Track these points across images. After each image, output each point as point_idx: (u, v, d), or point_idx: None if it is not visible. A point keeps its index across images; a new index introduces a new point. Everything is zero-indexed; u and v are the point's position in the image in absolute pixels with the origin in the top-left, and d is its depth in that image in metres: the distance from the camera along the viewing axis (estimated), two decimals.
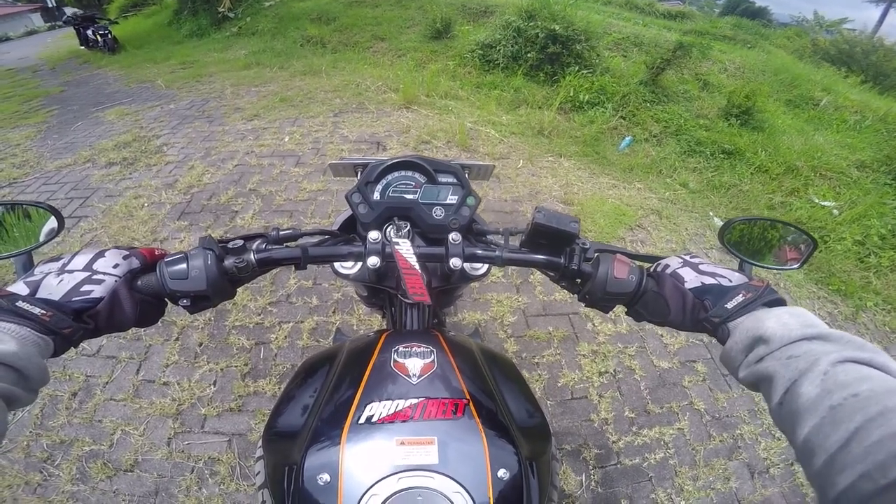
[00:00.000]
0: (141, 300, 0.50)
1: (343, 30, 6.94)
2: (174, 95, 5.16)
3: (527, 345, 2.02)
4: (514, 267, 0.65)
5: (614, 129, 4.27)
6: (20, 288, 0.44)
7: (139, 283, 0.50)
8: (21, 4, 29.39)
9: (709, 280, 0.51)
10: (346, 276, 0.71)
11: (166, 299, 0.52)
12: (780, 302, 0.46)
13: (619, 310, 0.58)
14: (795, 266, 0.65)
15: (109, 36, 8.51)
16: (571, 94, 4.53)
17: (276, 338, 1.97)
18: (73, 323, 0.43)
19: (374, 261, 0.58)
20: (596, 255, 0.58)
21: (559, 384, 1.88)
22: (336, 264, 0.71)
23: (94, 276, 0.47)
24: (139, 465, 1.55)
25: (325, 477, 0.46)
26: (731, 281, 0.51)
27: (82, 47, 9.01)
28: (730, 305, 0.47)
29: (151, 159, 3.52)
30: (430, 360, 0.57)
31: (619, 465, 1.64)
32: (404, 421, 0.49)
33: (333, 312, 2.10)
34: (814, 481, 0.33)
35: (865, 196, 3.70)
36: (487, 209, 2.85)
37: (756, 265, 0.61)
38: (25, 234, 0.57)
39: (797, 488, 1.65)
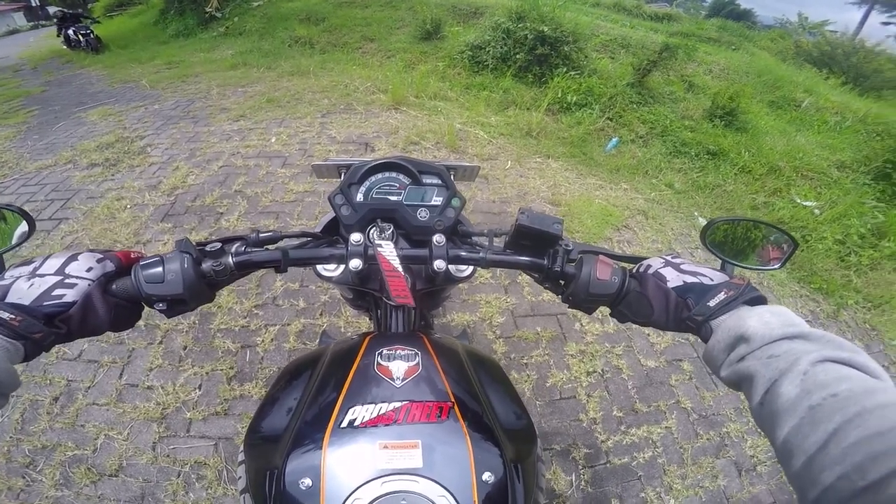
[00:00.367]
0: (115, 304, 0.49)
1: (332, 30, 6.90)
2: (159, 96, 5.08)
3: (515, 345, 2.03)
4: (499, 268, 0.65)
5: (601, 130, 4.31)
6: None
7: (114, 286, 0.49)
8: (3, 3, 28.75)
9: (690, 279, 0.52)
10: (329, 279, 0.70)
11: (142, 303, 0.51)
12: (761, 300, 0.47)
13: (606, 310, 0.59)
14: (776, 266, 0.65)
15: (92, 35, 8.36)
16: (559, 95, 4.57)
17: (263, 341, 1.95)
18: (44, 328, 0.43)
19: (356, 263, 0.58)
20: (579, 256, 0.59)
21: (548, 384, 1.89)
22: (319, 267, 0.70)
23: (67, 280, 0.46)
24: (124, 469, 1.53)
25: (307, 481, 0.45)
26: (712, 280, 0.51)
27: (64, 47, 8.84)
28: (712, 303, 0.47)
29: (135, 160, 3.46)
30: (414, 362, 0.57)
31: (608, 465, 1.65)
32: (388, 424, 0.49)
33: (321, 315, 2.08)
34: (793, 482, 0.34)
35: (845, 196, 3.79)
36: (476, 210, 2.86)
37: (737, 265, 0.62)
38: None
39: (784, 486, 1.68)
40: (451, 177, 0.71)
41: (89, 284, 0.47)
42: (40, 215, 2.81)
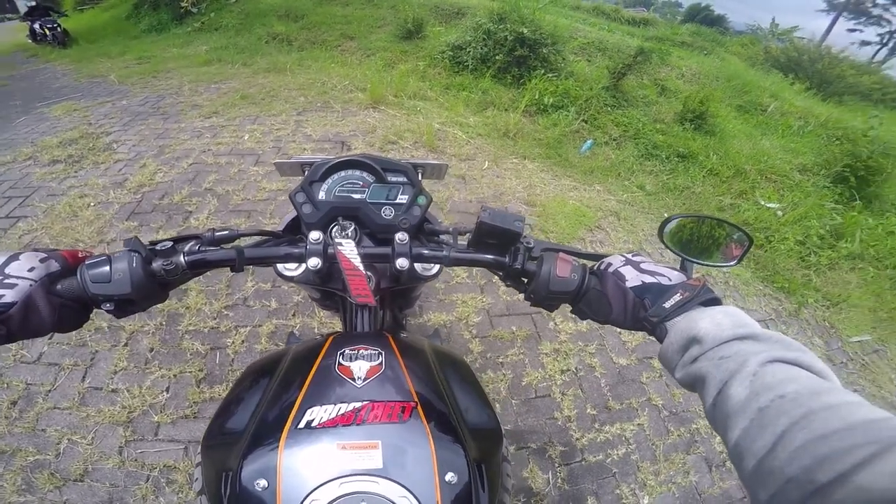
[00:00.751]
0: (60, 305, 0.47)
1: (311, 27, 6.80)
2: (127, 91, 4.90)
3: (491, 345, 2.05)
4: (463, 267, 0.66)
5: (576, 132, 4.37)
6: None
7: (59, 287, 0.48)
8: None
9: (649, 279, 0.52)
10: (290, 279, 0.69)
11: (90, 304, 0.50)
12: (716, 301, 0.47)
13: (569, 309, 0.59)
14: (733, 263, 0.66)
15: (59, 29, 8.03)
16: (537, 97, 4.61)
17: (233, 342, 1.91)
18: None
19: (314, 262, 0.57)
20: (541, 253, 0.59)
21: (523, 383, 1.91)
22: (279, 266, 0.69)
23: (6, 281, 0.44)
24: (90, 474, 1.49)
25: (263, 482, 0.45)
26: (670, 280, 0.51)
27: (29, 41, 8.46)
28: (667, 305, 0.47)
29: (99, 157, 3.33)
30: (377, 362, 0.56)
31: (583, 462, 1.68)
32: (346, 425, 0.48)
33: (293, 315, 2.05)
34: (746, 484, 0.34)
35: (806, 198, 3.95)
36: (452, 210, 2.87)
37: (695, 262, 0.62)
38: None
39: None
40: (420, 175, 0.71)
41: (31, 285, 0.45)
42: None
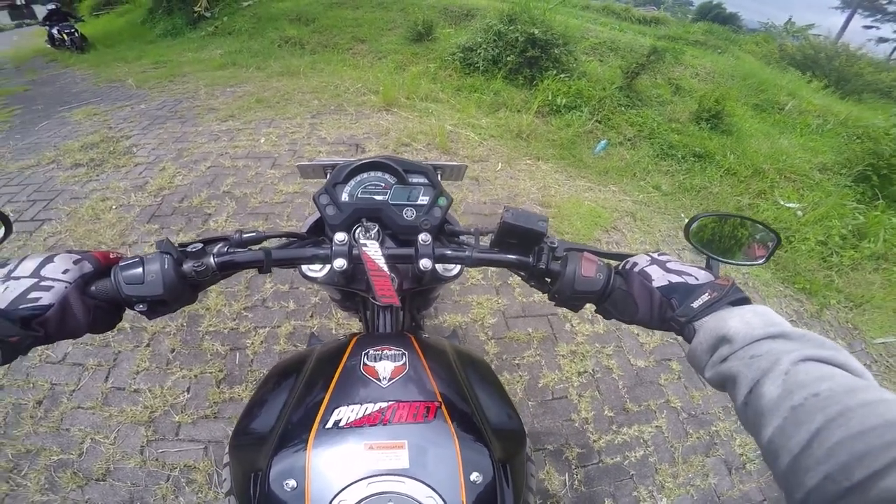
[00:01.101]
0: (94, 306, 0.48)
1: (323, 31, 6.86)
2: (145, 95, 5.01)
3: (507, 346, 2.04)
4: (487, 267, 0.66)
5: (590, 132, 4.34)
6: None
7: (93, 288, 0.49)
8: None
9: (675, 279, 0.51)
10: (314, 280, 0.70)
11: (122, 305, 0.51)
12: (745, 301, 0.47)
13: (593, 308, 0.59)
14: (760, 261, 0.65)
15: (77, 34, 8.25)
16: (549, 97, 4.59)
17: (252, 343, 1.93)
18: (21, 331, 0.42)
19: (340, 263, 0.58)
20: (564, 253, 0.59)
21: (539, 385, 1.90)
22: (304, 267, 0.70)
23: (42, 283, 0.45)
24: (111, 473, 1.51)
25: (292, 483, 0.45)
26: (697, 279, 0.51)
27: (48, 46, 8.69)
28: (695, 304, 0.47)
29: (120, 160, 3.40)
30: (401, 362, 0.57)
31: (600, 464, 1.67)
32: (373, 425, 0.49)
33: (311, 317, 2.07)
34: (780, 482, 0.34)
35: (827, 198, 3.86)
36: (466, 211, 2.87)
37: (722, 261, 0.62)
38: None
39: (773, 483, 1.70)
40: (438, 176, 0.71)
41: (66, 287, 0.46)
42: (22, 216, 2.75)
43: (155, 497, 1.45)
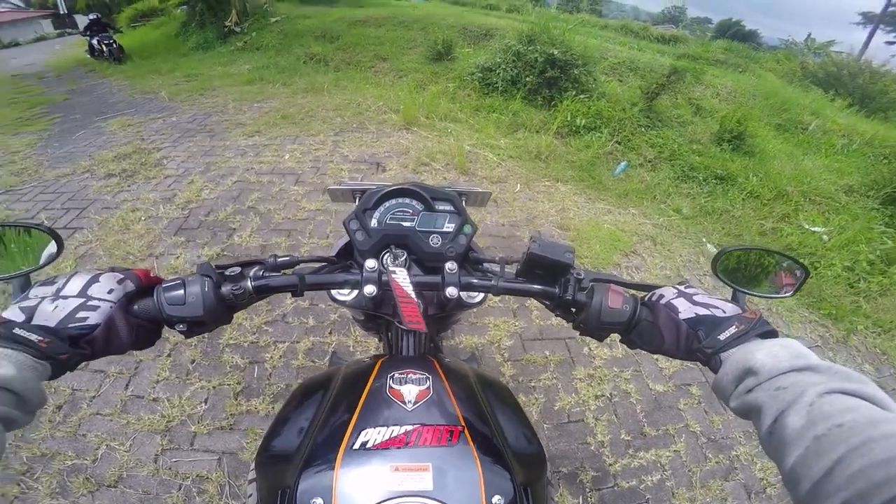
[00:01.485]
0: (137, 325, 0.50)
1: (346, 48, 7.06)
2: (177, 108, 5.20)
3: (524, 369, 2.02)
4: (511, 296, 0.67)
5: (610, 153, 4.33)
6: (16, 314, 0.45)
7: (136, 307, 0.51)
8: (32, 11, 29.73)
9: (702, 311, 0.52)
10: (342, 303, 0.71)
11: (163, 323, 0.53)
12: (772, 334, 0.47)
13: (614, 336, 0.59)
14: (788, 294, 0.65)
15: (115, 45, 8.62)
16: (568, 118, 4.60)
17: (271, 357, 1.96)
18: (70, 349, 0.44)
19: (370, 289, 0.59)
20: (591, 284, 0.59)
21: (556, 408, 1.88)
22: (333, 291, 0.71)
23: (89, 303, 0.47)
24: (124, 480, 1.52)
25: (319, 502, 0.46)
26: (724, 312, 0.51)
27: (88, 56, 9.11)
28: (722, 337, 0.48)
29: (151, 172, 3.53)
30: (425, 386, 0.58)
31: (615, 488, 1.64)
32: (399, 447, 0.50)
33: (330, 333, 2.09)
34: None
35: (854, 221, 3.75)
36: (484, 233, 2.87)
37: (749, 293, 0.62)
38: (24, 255, 0.57)
39: None
40: (463, 202, 0.72)
41: (111, 307, 0.48)
42: (56, 224, 2.86)
43: None
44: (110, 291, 0.49)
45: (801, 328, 2.67)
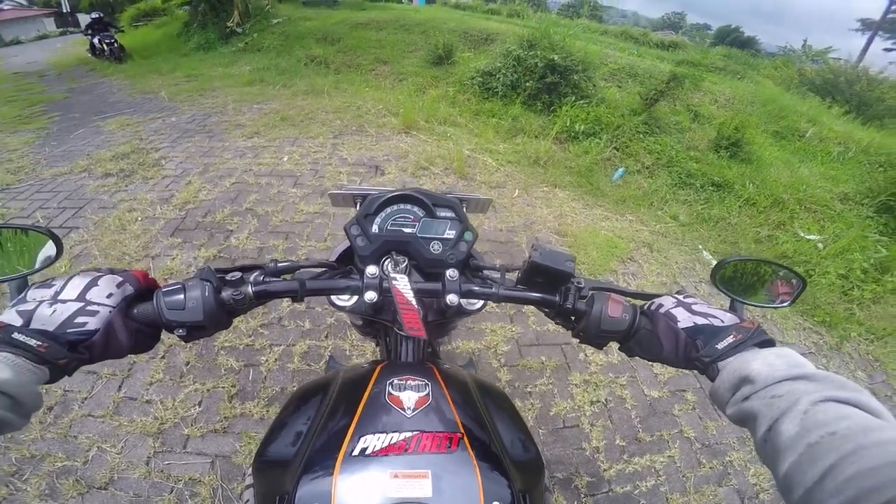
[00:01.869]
0: (136, 329, 0.50)
1: (347, 51, 7.07)
2: (176, 108, 5.19)
3: (520, 374, 2.02)
4: (511, 304, 0.67)
5: (608, 160, 4.34)
6: (13, 317, 0.44)
7: (135, 311, 0.51)
8: (35, 9, 29.71)
9: (701, 320, 0.53)
10: (342, 308, 0.70)
11: (162, 328, 0.53)
12: (769, 343, 0.48)
13: (612, 343, 0.60)
14: (785, 304, 0.67)
15: (115, 45, 8.61)
16: (568, 124, 4.61)
17: (267, 360, 1.95)
18: (69, 354, 0.44)
19: (371, 296, 0.59)
20: (591, 293, 0.60)
21: (551, 413, 1.88)
22: (333, 297, 0.71)
23: (88, 308, 0.46)
24: (114, 483, 1.51)
25: None
26: (723, 322, 0.52)
27: (89, 55, 9.10)
28: (720, 346, 0.49)
29: (149, 172, 3.52)
30: (424, 393, 0.57)
31: (610, 493, 1.64)
32: (398, 454, 0.49)
33: (326, 337, 2.09)
34: None
35: (849, 229, 3.78)
36: (482, 239, 2.87)
37: (746, 303, 0.63)
38: (21, 256, 0.56)
39: None
40: (464, 209, 0.72)
41: (110, 311, 0.47)
42: (51, 223, 2.84)
43: None
44: (109, 296, 0.49)
45: (795, 335, 2.68)
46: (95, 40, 8.79)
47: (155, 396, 1.78)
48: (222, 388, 1.83)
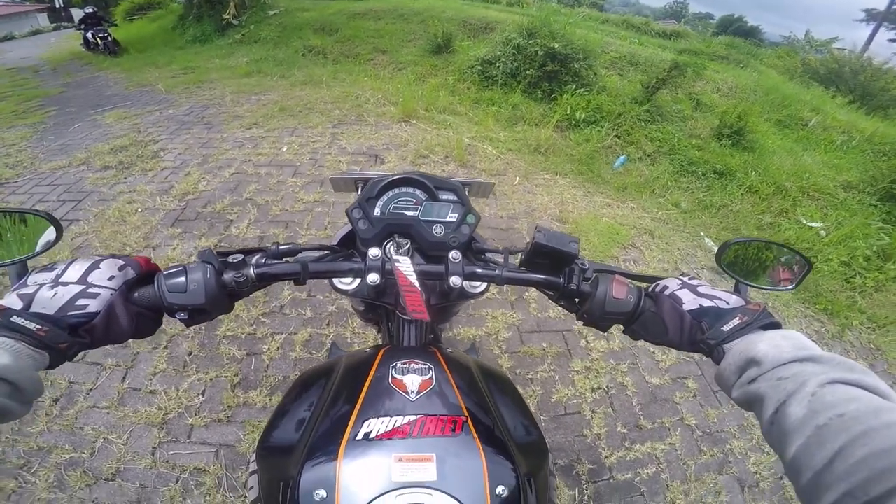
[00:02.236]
0: (137, 313, 0.49)
1: (345, 41, 7.00)
2: (174, 100, 5.16)
3: (521, 360, 2.03)
4: (512, 286, 0.66)
5: (609, 147, 4.32)
6: (13, 301, 0.43)
7: (136, 295, 0.50)
8: (28, 4, 29.47)
9: (706, 302, 0.52)
10: (344, 292, 0.71)
11: (163, 312, 0.52)
12: (775, 325, 0.47)
13: (613, 328, 0.59)
14: (790, 287, 0.65)
15: (109, 38, 8.54)
16: (568, 112, 4.59)
17: (269, 349, 1.95)
18: (69, 338, 0.43)
19: (373, 278, 0.58)
20: (595, 275, 0.59)
21: (553, 400, 1.88)
22: (335, 280, 0.71)
23: (89, 290, 0.46)
24: (121, 474, 1.52)
25: (322, 493, 0.45)
26: (728, 304, 0.51)
27: (83, 49, 9.03)
28: (726, 328, 0.48)
29: (147, 164, 3.51)
30: (428, 376, 0.57)
31: (611, 480, 1.65)
32: (402, 438, 0.49)
33: (327, 325, 2.09)
34: (801, 497, 0.34)
35: (851, 217, 3.77)
36: (483, 225, 2.87)
37: (751, 286, 0.62)
38: (22, 241, 0.55)
39: (786, 502, 1.68)
40: (467, 192, 0.71)
41: (112, 294, 0.47)
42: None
43: (163, 499, 1.46)
44: (111, 278, 0.48)
45: (797, 323, 2.68)
46: (89, 35, 8.69)
47: (158, 386, 1.79)
48: (225, 377, 1.84)
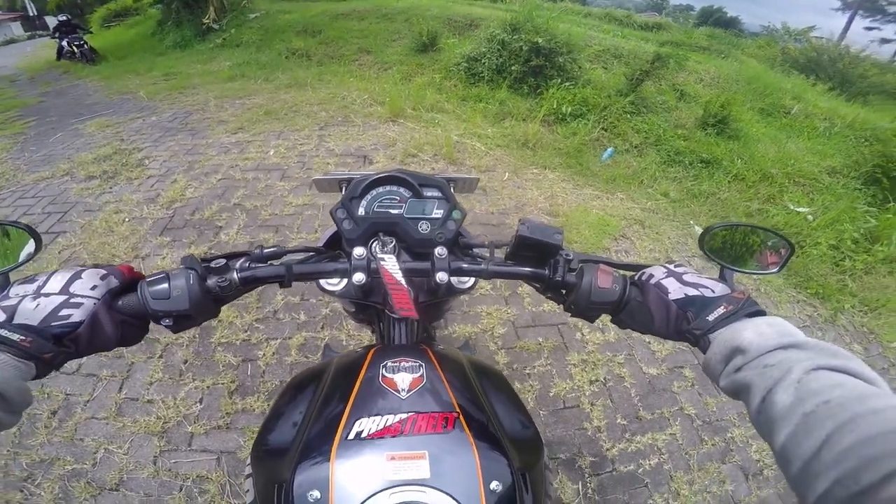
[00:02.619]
0: (122, 321, 0.49)
1: (328, 42, 6.95)
2: (156, 107, 5.08)
3: (517, 356, 2.03)
4: (500, 279, 0.66)
5: (596, 140, 4.35)
6: None
7: (120, 303, 0.50)
8: (1, 13, 28.87)
9: (692, 291, 0.52)
10: (332, 293, 0.70)
11: (149, 319, 0.52)
12: (760, 313, 0.47)
13: (606, 318, 0.59)
14: (774, 270, 0.66)
15: (86, 46, 8.40)
16: (554, 106, 4.60)
17: (264, 354, 1.94)
18: (54, 347, 0.43)
19: (359, 277, 0.59)
20: (580, 265, 0.59)
21: (551, 394, 1.89)
22: (322, 281, 0.70)
23: (72, 300, 0.46)
24: (125, 483, 1.51)
25: (316, 493, 0.45)
26: (713, 292, 0.51)
27: (58, 59, 8.85)
28: (711, 318, 0.48)
29: (133, 173, 3.45)
30: (418, 374, 0.57)
31: (614, 472, 1.66)
32: (394, 436, 0.49)
33: (322, 328, 2.08)
34: (793, 487, 0.35)
35: (837, 201, 3.83)
36: (474, 222, 2.87)
37: (736, 271, 0.62)
38: (5, 254, 0.55)
39: (790, 491, 1.69)
40: (451, 189, 0.71)
41: (95, 303, 0.47)
42: (38, 228, 2.76)
43: None
44: (93, 288, 0.48)
45: (789, 308, 2.72)
46: (64, 43, 8.53)
47: (156, 396, 1.78)
48: (222, 384, 1.83)
